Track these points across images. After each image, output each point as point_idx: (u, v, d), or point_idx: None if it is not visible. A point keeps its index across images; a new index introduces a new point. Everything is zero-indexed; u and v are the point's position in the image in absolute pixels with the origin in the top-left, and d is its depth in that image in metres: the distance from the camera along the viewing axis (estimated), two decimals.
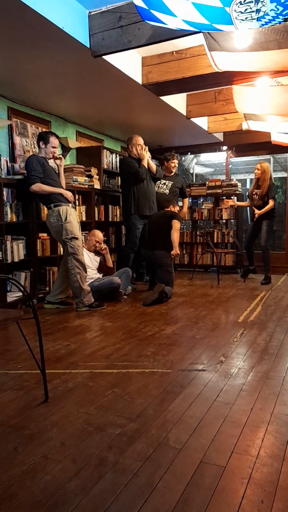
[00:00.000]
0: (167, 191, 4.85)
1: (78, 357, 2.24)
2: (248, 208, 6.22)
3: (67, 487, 1.13)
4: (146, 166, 4.30)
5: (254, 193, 4.87)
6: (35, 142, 3.69)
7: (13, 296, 3.35)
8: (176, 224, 3.93)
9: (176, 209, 4.31)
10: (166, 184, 4.86)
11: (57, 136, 3.43)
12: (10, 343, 2.51)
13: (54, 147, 3.36)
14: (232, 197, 5.59)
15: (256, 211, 5.05)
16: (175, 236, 3.89)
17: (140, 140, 4.35)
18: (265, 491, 1.11)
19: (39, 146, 3.38)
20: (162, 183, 4.84)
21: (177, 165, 4.98)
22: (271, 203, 4.73)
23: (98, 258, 3.93)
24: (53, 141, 3.34)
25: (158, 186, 4.82)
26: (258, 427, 1.47)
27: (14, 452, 1.31)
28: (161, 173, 4.61)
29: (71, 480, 1.16)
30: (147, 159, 4.33)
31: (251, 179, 8.82)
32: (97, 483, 1.15)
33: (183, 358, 2.21)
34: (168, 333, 2.71)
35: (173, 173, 4.94)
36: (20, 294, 3.33)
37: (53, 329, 2.83)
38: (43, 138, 3.34)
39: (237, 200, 5.70)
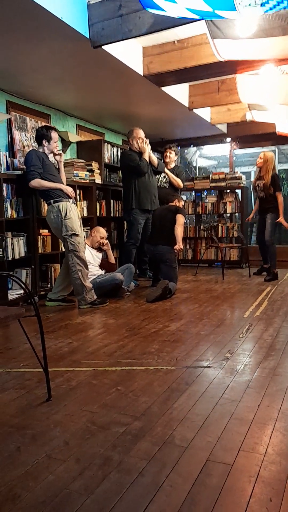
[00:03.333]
0: (167, 185, 4.79)
1: (81, 355, 2.21)
2: (253, 201, 6.13)
3: (71, 487, 1.12)
4: (147, 159, 4.24)
5: (256, 184, 4.75)
6: (35, 136, 3.64)
7: (14, 293, 3.33)
8: (180, 219, 3.88)
9: (181, 203, 4.26)
10: (167, 177, 4.80)
11: (56, 130, 3.40)
12: (12, 341, 2.50)
13: (56, 142, 3.35)
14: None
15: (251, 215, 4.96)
16: (179, 230, 3.84)
17: (141, 133, 4.29)
18: (274, 489, 1.09)
19: (41, 144, 3.32)
20: (162, 176, 4.78)
21: (172, 157, 4.86)
22: (280, 197, 4.54)
23: (100, 255, 3.89)
24: (55, 136, 3.35)
25: (159, 180, 4.75)
26: (266, 424, 1.44)
27: (16, 452, 1.30)
28: (163, 167, 4.55)
29: (75, 480, 1.14)
30: (148, 152, 4.27)
31: (255, 172, 8.69)
32: (101, 483, 1.13)
33: (188, 355, 2.18)
34: (172, 329, 2.68)
35: (173, 166, 4.87)
36: (22, 291, 3.31)
37: (55, 326, 2.80)
38: (45, 136, 3.29)
39: (241, 193, 5.62)
